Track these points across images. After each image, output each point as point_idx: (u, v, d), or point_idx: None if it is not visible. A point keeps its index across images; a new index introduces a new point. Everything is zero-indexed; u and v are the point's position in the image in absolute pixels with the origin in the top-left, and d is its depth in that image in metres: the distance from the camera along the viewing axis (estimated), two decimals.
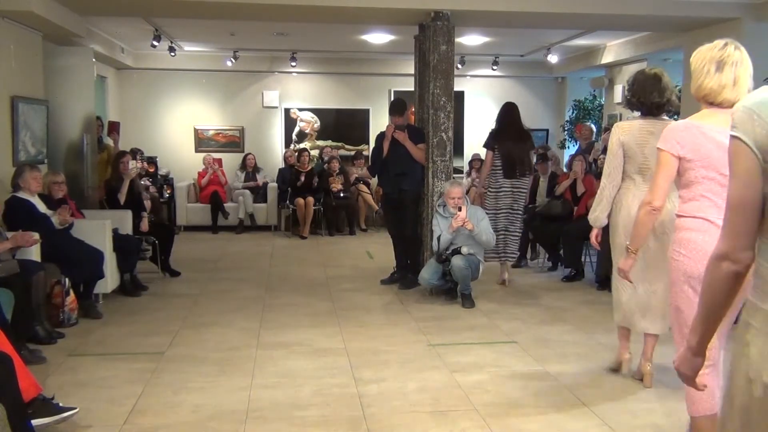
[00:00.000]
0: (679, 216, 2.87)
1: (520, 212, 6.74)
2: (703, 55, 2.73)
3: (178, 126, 11.32)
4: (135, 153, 9.39)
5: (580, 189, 7.15)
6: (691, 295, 2.73)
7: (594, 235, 4.08)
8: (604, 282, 6.31)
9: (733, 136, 1.47)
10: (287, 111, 11.58)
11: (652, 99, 3.82)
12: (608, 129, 8.54)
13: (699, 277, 2.41)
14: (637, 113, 3.96)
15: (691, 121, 2.84)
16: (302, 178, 10.10)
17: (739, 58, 2.69)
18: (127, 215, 6.59)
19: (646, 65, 9.41)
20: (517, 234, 6.72)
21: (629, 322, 4.07)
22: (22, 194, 5.34)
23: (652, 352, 4.00)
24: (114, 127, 9.52)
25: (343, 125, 11.70)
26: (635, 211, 3.44)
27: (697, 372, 1.75)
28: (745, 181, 1.45)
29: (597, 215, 4.00)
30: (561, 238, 7.10)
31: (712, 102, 2.75)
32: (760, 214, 1.45)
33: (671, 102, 3.85)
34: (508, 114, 6.67)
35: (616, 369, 4.22)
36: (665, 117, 3.89)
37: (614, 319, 4.21)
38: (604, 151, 6.19)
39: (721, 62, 2.68)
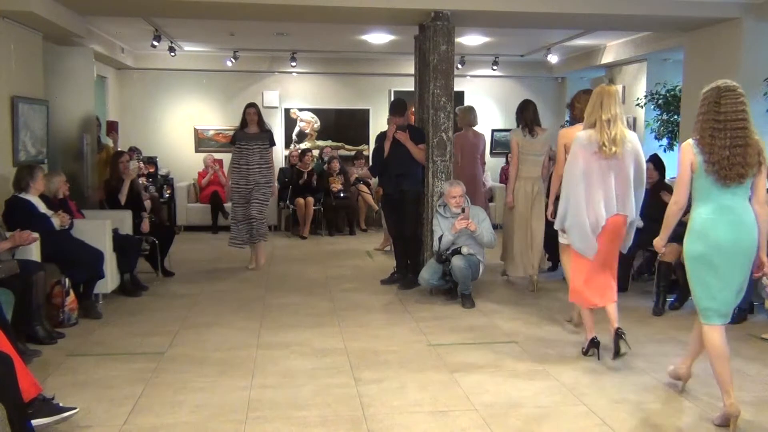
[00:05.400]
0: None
1: None
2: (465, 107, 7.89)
3: (178, 126, 11.32)
4: (133, 151, 9.39)
5: None
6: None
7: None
8: None
9: (513, 138, 6.39)
10: (287, 111, 11.59)
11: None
12: None
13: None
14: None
15: (463, 132, 7.53)
16: (305, 176, 10.11)
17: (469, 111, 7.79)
18: (127, 215, 6.59)
19: (646, 65, 9.49)
20: None
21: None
22: (24, 194, 5.33)
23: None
24: (113, 127, 9.52)
25: (343, 125, 11.70)
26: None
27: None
28: (516, 150, 6.34)
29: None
30: None
31: (470, 125, 7.61)
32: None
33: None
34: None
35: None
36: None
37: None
38: None
39: (470, 110, 7.79)
